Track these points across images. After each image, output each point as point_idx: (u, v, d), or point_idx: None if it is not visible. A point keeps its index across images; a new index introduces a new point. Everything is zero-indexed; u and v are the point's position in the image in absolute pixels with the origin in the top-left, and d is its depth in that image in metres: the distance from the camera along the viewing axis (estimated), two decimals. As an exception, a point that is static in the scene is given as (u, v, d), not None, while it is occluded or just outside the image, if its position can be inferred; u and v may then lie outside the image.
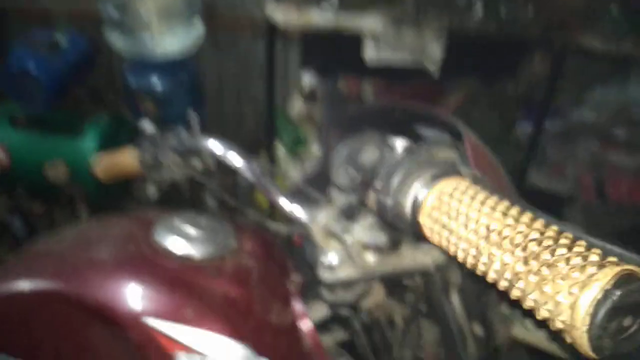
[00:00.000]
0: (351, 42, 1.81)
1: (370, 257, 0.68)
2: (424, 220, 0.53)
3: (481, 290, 0.70)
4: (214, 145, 0.78)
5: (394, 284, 0.77)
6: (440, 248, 0.52)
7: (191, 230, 0.73)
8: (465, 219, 0.47)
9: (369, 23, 1.71)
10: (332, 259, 0.70)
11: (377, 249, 0.66)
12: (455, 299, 0.70)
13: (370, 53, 1.72)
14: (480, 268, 0.46)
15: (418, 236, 0.56)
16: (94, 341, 0.66)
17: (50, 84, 1.92)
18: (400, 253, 0.67)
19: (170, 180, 0.84)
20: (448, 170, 0.54)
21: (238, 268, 0.72)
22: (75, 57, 2.01)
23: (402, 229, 0.58)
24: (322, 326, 0.75)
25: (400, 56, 1.77)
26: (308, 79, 2.26)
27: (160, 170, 0.83)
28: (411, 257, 0.67)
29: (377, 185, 0.58)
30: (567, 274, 0.38)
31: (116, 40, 1.78)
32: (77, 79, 2.08)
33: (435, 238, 0.52)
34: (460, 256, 0.48)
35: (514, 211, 0.45)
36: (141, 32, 1.73)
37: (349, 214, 0.75)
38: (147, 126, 1.92)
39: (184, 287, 0.66)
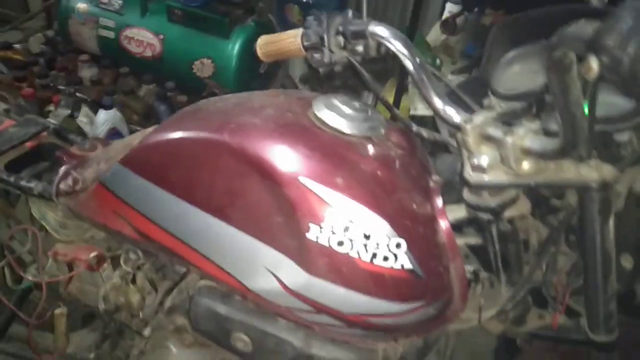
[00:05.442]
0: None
1: (527, 164, 0.66)
2: None
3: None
4: (381, 30, 0.78)
5: (539, 200, 0.75)
6: None
7: (346, 109, 0.76)
8: None
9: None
10: (482, 161, 0.69)
11: (541, 156, 0.63)
12: (609, 225, 0.66)
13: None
14: None
15: None
16: (247, 190, 0.73)
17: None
18: (562, 164, 0.64)
19: (328, 63, 0.86)
20: None
21: (385, 152, 0.75)
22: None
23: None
24: (456, 226, 0.75)
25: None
26: (450, 8, 2.15)
27: (322, 52, 0.85)
28: (574, 170, 0.64)
29: (607, 40, 0.48)
30: None
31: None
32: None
33: None
34: None
35: None
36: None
37: (510, 120, 0.74)
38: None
39: (337, 157, 0.70)
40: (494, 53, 0.85)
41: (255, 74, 2.36)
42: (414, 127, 0.89)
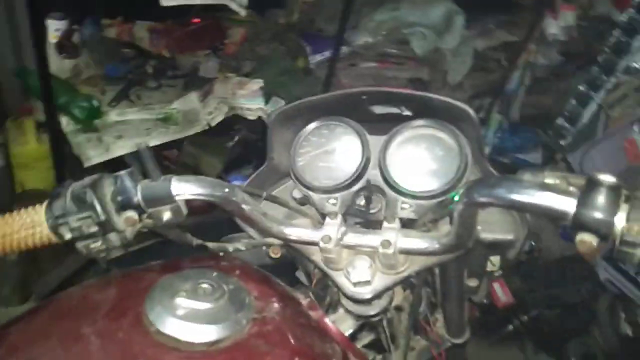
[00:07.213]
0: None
1: (405, 260, 0.67)
2: None
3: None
4: (187, 189, 0.60)
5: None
6: None
7: (197, 304, 0.55)
8: None
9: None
10: (363, 275, 0.66)
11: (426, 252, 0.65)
12: (463, 270, 0.77)
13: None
14: None
15: None
16: None
17: None
18: None
19: (116, 246, 0.61)
20: None
21: (274, 330, 0.59)
22: None
23: None
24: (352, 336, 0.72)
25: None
26: (55, 26, 1.79)
27: (100, 239, 0.59)
28: None
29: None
30: None
31: None
32: None
33: None
34: None
35: None
36: None
37: (355, 216, 0.72)
38: None
39: None
40: (277, 139, 0.79)
41: None
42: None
